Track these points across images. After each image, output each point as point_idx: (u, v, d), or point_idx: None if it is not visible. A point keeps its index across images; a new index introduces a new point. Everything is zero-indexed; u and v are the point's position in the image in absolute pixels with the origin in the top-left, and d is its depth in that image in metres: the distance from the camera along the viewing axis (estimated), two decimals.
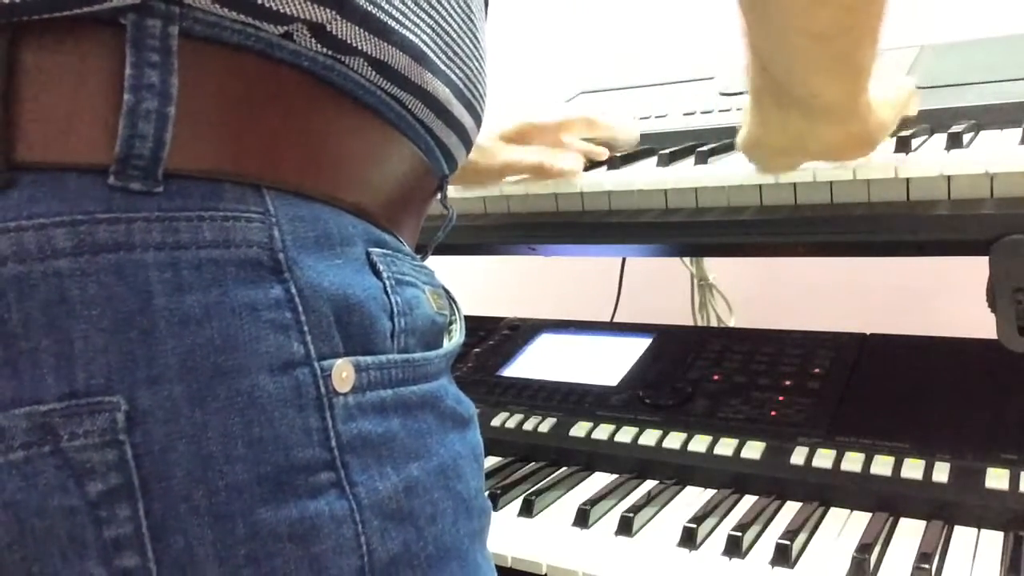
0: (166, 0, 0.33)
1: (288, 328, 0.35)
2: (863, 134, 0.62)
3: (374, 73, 0.39)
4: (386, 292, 0.39)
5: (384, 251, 0.40)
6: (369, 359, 0.37)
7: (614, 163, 0.84)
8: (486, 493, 0.44)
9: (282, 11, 0.35)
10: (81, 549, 0.31)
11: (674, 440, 0.87)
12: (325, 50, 0.37)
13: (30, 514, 0.31)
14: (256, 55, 0.35)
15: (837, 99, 0.57)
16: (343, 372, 0.36)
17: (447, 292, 0.47)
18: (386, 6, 0.38)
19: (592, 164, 0.87)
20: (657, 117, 1.01)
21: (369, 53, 0.38)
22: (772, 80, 0.58)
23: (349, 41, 0.37)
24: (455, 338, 0.46)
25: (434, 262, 0.49)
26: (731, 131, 0.90)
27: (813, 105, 0.58)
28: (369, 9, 0.37)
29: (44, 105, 0.32)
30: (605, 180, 0.81)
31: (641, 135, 0.96)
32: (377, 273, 0.39)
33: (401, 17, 0.39)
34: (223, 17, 0.34)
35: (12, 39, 0.31)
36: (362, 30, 0.37)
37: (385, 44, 0.38)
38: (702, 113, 0.98)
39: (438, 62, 0.42)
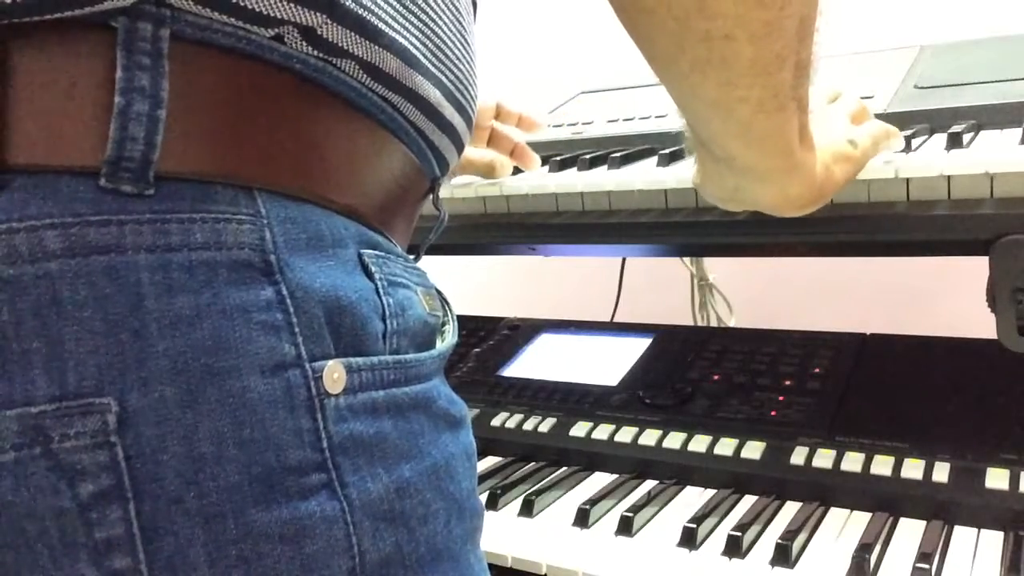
0: (157, 3, 0.33)
1: (279, 329, 0.35)
2: (805, 194, 0.59)
3: (365, 75, 0.39)
4: (378, 293, 0.39)
5: (376, 252, 0.40)
6: (361, 360, 0.37)
7: (614, 163, 0.84)
8: (486, 493, 0.44)
9: (272, 14, 0.35)
10: (72, 550, 0.31)
11: (674, 440, 0.87)
12: (316, 52, 0.37)
13: (21, 516, 0.31)
14: (247, 58, 0.35)
15: (757, 163, 0.55)
16: (334, 373, 0.36)
17: (439, 293, 0.47)
18: (376, 9, 0.38)
19: None
20: (657, 117, 1.01)
21: (359, 56, 0.38)
22: (698, 139, 0.56)
23: (339, 44, 0.37)
24: (448, 339, 0.46)
25: (434, 262, 0.49)
26: None
27: (736, 167, 0.56)
28: (359, 12, 0.37)
29: (35, 107, 0.32)
30: (605, 180, 0.81)
31: (641, 135, 0.96)
32: (369, 274, 0.39)
33: (391, 20, 0.39)
34: (213, 20, 0.34)
35: (3, 42, 0.31)
36: (352, 33, 0.37)
37: (375, 47, 0.38)
38: None
39: (428, 64, 0.42)
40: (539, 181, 0.86)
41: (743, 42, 0.44)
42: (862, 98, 0.86)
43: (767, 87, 0.48)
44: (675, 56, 0.46)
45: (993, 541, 0.70)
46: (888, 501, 0.75)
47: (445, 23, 0.43)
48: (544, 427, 0.95)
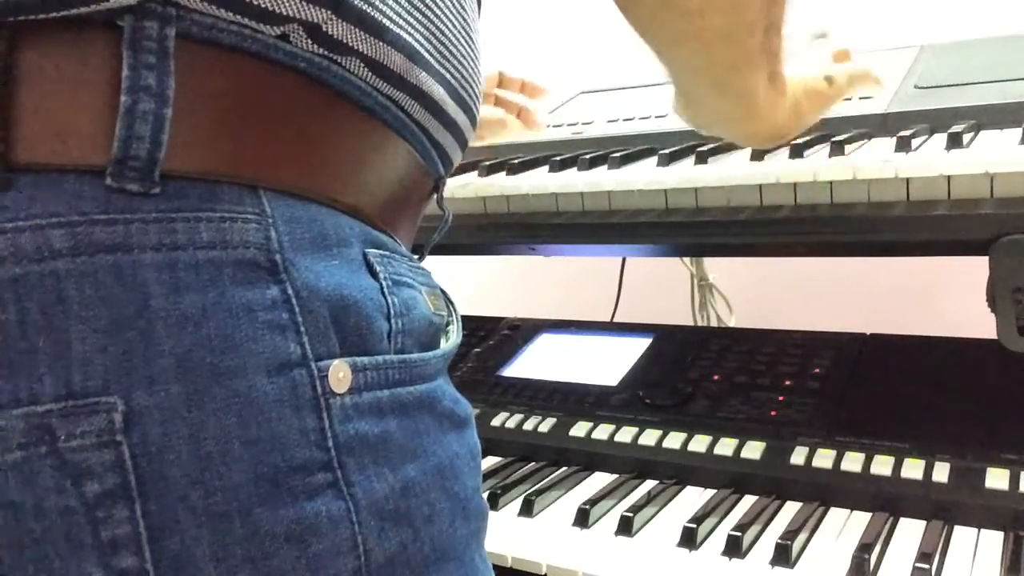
0: (163, 2, 0.33)
1: (285, 329, 0.34)
2: (770, 131, 0.64)
3: (369, 73, 0.39)
4: (383, 293, 0.39)
5: (381, 252, 0.40)
6: (366, 360, 0.37)
7: (614, 163, 0.84)
8: (486, 493, 0.44)
9: (278, 11, 0.35)
10: (78, 550, 0.31)
11: (674, 440, 0.87)
12: (321, 51, 0.37)
13: (27, 515, 0.31)
14: (253, 57, 0.35)
15: (726, 111, 0.60)
16: (340, 373, 0.36)
17: (444, 293, 0.47)
18: (381, 6, 0.38)
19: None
20: (657, 117, 1.01)
21: (365, 53, 0.38)
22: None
23: (345, 41, 0.37)
24: (452, 339, 0.46)
25: (434, 262, 0.49)
26: None
27: (708, 111, 0.62)
28: (364, 9, 0.37)
29: (41, 106, 0.32)
30: (605, 180, 0.81)
31: (641, 135, 0.96)
32: (374, 274, 0.39)
33: (395, 17, 0.39)
34: (219, 19, 0.34)
35: (10, 40, 0.31)
36: (358, 30, 0.37)
37: (380, 43, 0.38)
38: None
39: (432, 62, 0.42)
40: (539, 181, 0.86)
41: (715, 17, 0.49)
42: (861, 98, 0.86)
43: (738, 52, 0.53)
44: (657, 31, 0.52)
45: (993, 541, 0.70)
46: (888, 501, 0.75)
47: (449, 20, 0.43)
48: (544, 427, 0.95)
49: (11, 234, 0.31)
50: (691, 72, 0.56)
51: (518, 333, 1.16)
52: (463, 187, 0.88)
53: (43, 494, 0.31)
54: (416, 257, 0.45)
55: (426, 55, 0.41)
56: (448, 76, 0.43)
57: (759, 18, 0.51)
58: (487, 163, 0.93)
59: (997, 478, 0.73)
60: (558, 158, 0.89)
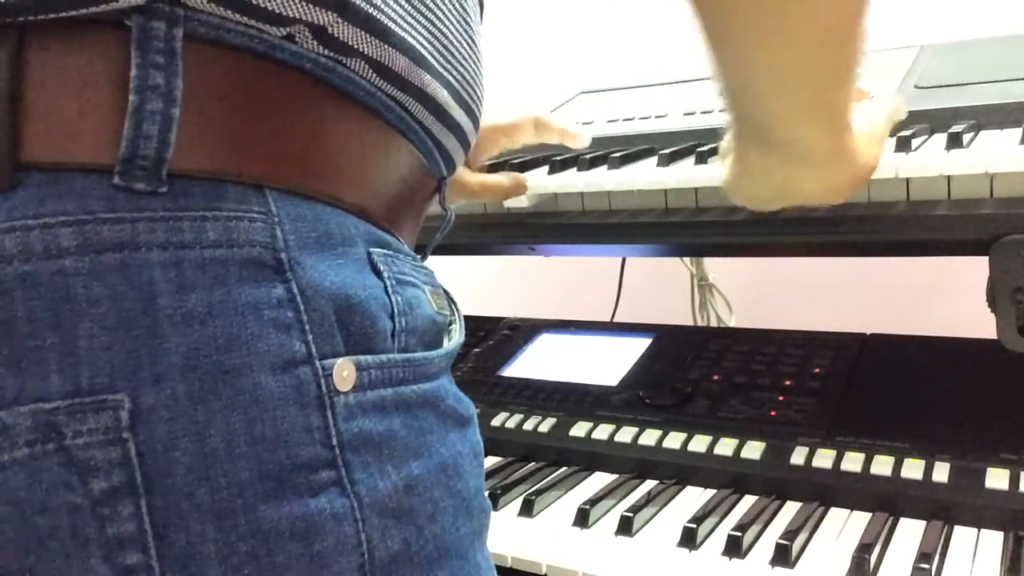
0: (170, 2, 0.33)
1: (290, 327, 0.35)
2: (850, 179, 0.59)
3: (374, 75, 0.39)
4: (387, 292, 0.39)
5: (385, 251, 0.40)
6: (370, 358, 0.37)
7: (614, 163, 0.84)
8: (485, 493, 0.44)
9: (284, 13, 0.35)
10: (84, 546, 0.31)
11: (674, 440, 0.87)
12: (326, 52, 0.37)
13: (34, 511, 0.31)
14: (259, 57, 0.35)
15: (817, 143, 0.55)
16: (344, 371, 0.36)
17: (447, 293, 0.48)
18: (386, 9, 0.38)
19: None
20: (657, 117, 1.01)
21: (369, 55, 0.38)
22: (752, 128, 0.55)
23: (350, 43, 0.37)
24: (455, 338, 0.46)
25: (434, 262, 0.49)
26: None
27: (794, 152, 0.55)
28: (370, 11, 0.37)
29: (50, 106, 0.32)
30: (605, 180, 0.81)
31: (641, 135, 0.96)
32: (378, 273, 0.39)
33: (400, 19, 0.39)
34: (226, 19, 0.34)
35: (18, 40, 0.32)
36: (363, 32, 0.37)
37: (385, 46, 0.39)
38: (702, 113, 0.98)
39: (436, 64, 0.42)
40: (539, 181, 0.86)
41: (826, 13, 0.45)
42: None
43: (840, 57, 0.48)
44: (767, 23, 0.46)
45: (993, 541, 0.70)
46: (888, 501, 0.75)
47: (452, 23, 0.43)
48: (544, 427, 0.95)
49: (20, 232, 0.31)
50: (790, 82, 0.50)
51: (518, 333, 1.16)
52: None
53: (49, 491, 0.31)
54: (419, 257, 0.46)
55: (430, 58, 0.41)
56: (451, 79, 0.44)
57: (859, 22, 0.46)
58: (487, 163, 0.93)
59: (997, 478, 0.73)
60: (558, 158, 0.89)
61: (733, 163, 0.60)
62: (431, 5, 0.41)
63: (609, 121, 1.05)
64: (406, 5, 0.40)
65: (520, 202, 0.86)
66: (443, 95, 0.43)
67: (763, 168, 0.58)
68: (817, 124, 0.53)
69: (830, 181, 0.58)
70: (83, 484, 0.31)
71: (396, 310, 0.40)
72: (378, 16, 0.38)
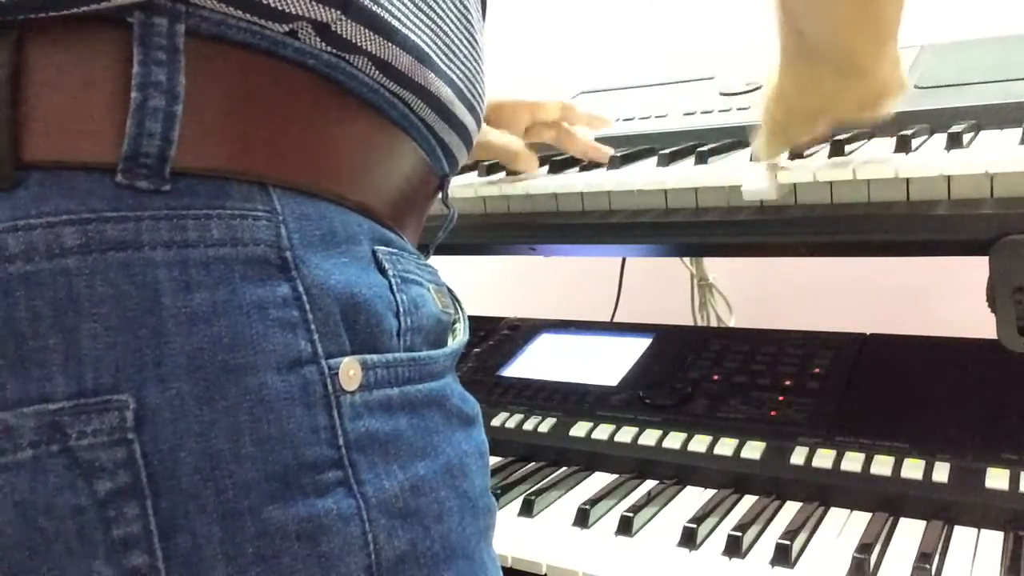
0: None
1: (295, 326, 0.35)
2: (890, 88, 0.63)
3: (378, 72, 0.39)
4: (392, 290, 0.39)
5: (389, 249, 0.40)
6: (376, 357, 0.37)
7: (614, 163, 0.84)
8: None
9: (287, 10, 0.35)
10: (89, 548, 0.31)
11: (674, 440, 0.87)
12: (329, 49, 0.37)
13: (39, 513, 0.31)
14: (261, 53, 0.35)
15: (867, 50, 0.59)
16: (350, 370, 0.36)
17: (451, 291, 0.48)
18: (390, 7, 0.38)
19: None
20: (657, 117, 1.01)
21: (373, 53, 0.38)
22: (805, 43, 0.59)
23: (353, 40, 0.37)
24: (459, 337, 0.46)
25: (434, 262, 0.49)
26: (731, 131, 0.90)
27: (845, 65, 0.59)
28: (374, 9, 0.37)
29: (52, 104, 0.32)
30: (605, 180, 0.81)
31: (641, 135, 0.96)
32: (383, 271, 0.39)
33: (404, 18, 0.39)
34: (228, 16, 0.34)
35: (19, 38, 0.31)
36: (367, 30, 0.37)
37: (389, 44, 0.38)
38: (702, 113, 0.98)
39: (439, 63, 0.42)
40: (539, 181, 0.86)
41: None
42: None
43: None
44: None
45: (993, 541, 0.70)
46: (888, 501, 0.75)
47: (453, 21, 0.43)
48: (544, 427, 0.95)
49: (22, 231, 0.31)
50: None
51: (518, 333, 1.16)
52: (463, 187, 0.88)
53: (54, 492, 0.31)
54: (422, 255, 0.46)
55: (433, 56, 0.41)
56: (454, 77, 0.43)
57: None
58: (487, 163, 0.93)
59: (997, 478, 0.73)
60: (558, 158, 0.89)
61: (784, 78, 0.63)
62: (432, 3, 0.41)
63: None
64: (409, 3, 0.39)
65: (520, 202, 0.86)
66: (447, 93, 0.43)
67: (812, 79, 0.61)
68: (867, 34, 0.57)
69: (873, 90, 0.62)
70: (88, 485, 0.31)
71: (401, 309, 0.39)
72: (382, 14, 0.38)
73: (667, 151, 0.82)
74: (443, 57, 0.42)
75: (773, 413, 0.88)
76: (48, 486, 0.31)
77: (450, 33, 0.43)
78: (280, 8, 0.35)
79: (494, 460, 0.94)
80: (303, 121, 0.37)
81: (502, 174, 0.91)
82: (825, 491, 0.78)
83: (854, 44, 0.58)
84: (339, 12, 0.36)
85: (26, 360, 0.31)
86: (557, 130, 0.88)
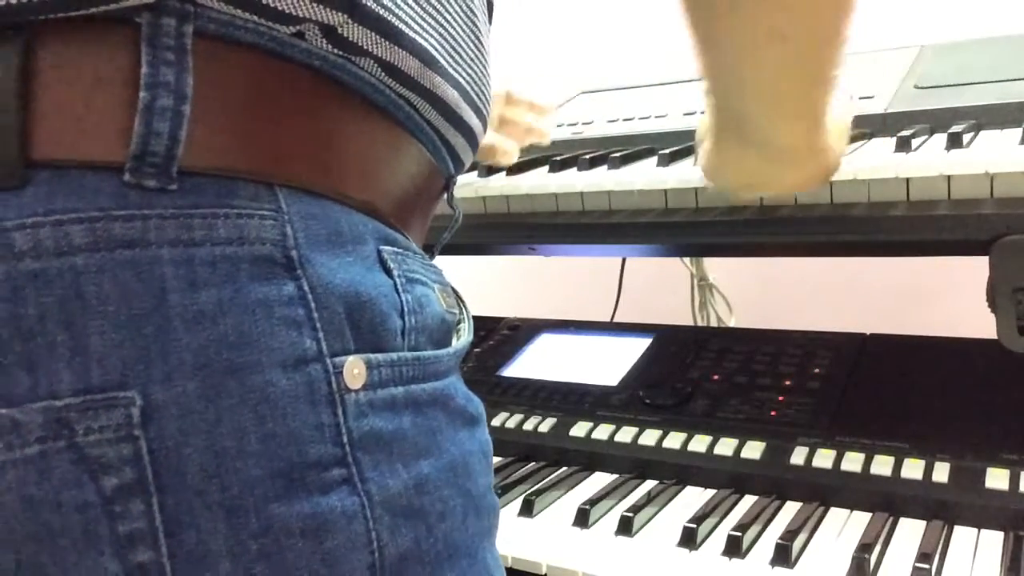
0: None
1: (301, 325, 0.35)
2: (821, 172, 0.62)
3: (384, 75, 0.39)
4: (397, 290, 0.39)
5: (395, 249, 0.40)
6: (380, 356, 0.37)
7: (614, 163, 0.84)
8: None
9: (294, 13, 0.35)
10: (95, 543, 0.32)
11: (674, 440, 0.87)
12: (336, 51, 0.37)
13: (46, 508, 0.31)
14: (268, 54, 0.35)
15: (796, 140, 0.57)
16: (355, 369, 0.36)
17: (455, 291, 0.48)
18: (397, 10, 0.38)
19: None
20: (657, 117, 1.01)
21: (379, 55, 0.38)
22: (733, 121, 0.57)
23: (360, 43, 0.37)
24: (464, 337, 0.46)
25: (434, 262, 0.49)
26: None
27: (772, 149, 0.57)
28: (380, 13, 0.37)
29: (60, 103, 0.32)
30: (605, 180, 0.81)
31: (641, 135, 0.96)
32: (388, 271, 0.39)
33: (411, 21, 0.39)
34: (236, 17, 0.34)
35: (28, 38, 0.32)
36: (373, 33, 0.37)
37: (395, 47, 0.39)
38: (702, 113, 0.97)
39: (446, 65, 0.42)
40: (539, 181, 0.86)
41: (811, 15, 0.46)
42: (862, 98, 0.86)
43: (823, 61, 0.50)
44: (752, 23, 0.47)
45: (993, 541, 0.70)
46: (888, 501, 0.75)
47: (459, 24, 0.43)
48: (544, 427, 0.95)
49: (31, 229, 0.31)
50: (769, 82, 0.52)
51: (518, 333, 1.16)
52: (463, 187, 0.88)
53: (60, 488, 0.31)
54: (428, 255, 0.46)
55: (440, 59, 0.41)
56: (461, 80, 0.44)
57: (844, 27, 0.48)
58: (486, 163, 0.93)
59: (997, 478, 0.73)
60: (558, 158, 0.89)
61: (709, 150, 0.62)
62: (439, 7, 0.41)
63: (609, 121, 1.05)
64: (415, 6, 0.40)
65: (520, 202, 0.86)
66: (452, 95, 0.43)
67: (738, 159, 0.60)
68: (797, 123, 0.55)
69: (802, 176, 0.62)
70: (94, 481, 0.31)
71: (406, 308, 0.40)
72: (389, 17, 0.38)
73: (667, 151, 0.82)
74: (449, 60, 0.42)
75: (773, 413, 0.88)
76: (55, 482, 0.31)
77: (456, 36, 0.43)
78: (287, 10, 0.35)
79: (494, 460, 0.94)
80: (309, 121, 0.37)
81: (502, 174, 0.91)
82: (825, 491, 0.78)
83: (783, 132, 0.56)
84: (346, 15, 0.36)
85: (34, 356, 0.31)
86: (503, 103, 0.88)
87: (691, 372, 0.98)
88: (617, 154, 0.86)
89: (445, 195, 0.49)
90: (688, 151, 0.85)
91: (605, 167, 0.85)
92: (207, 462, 0.33)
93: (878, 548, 0.69)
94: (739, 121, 0.57)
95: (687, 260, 1.30)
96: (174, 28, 0.33)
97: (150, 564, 0.32)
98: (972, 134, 0.74)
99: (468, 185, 0.88)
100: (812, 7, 0.46)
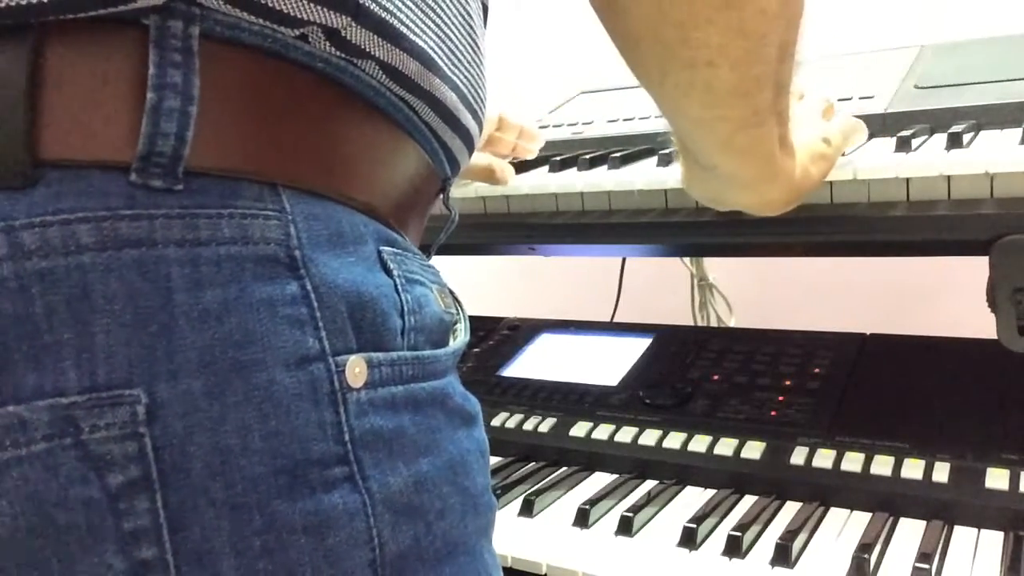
0: (187, 2, 0.33)
1: (304, 324, 0.35)
2: (784, 196, 0.63)
3: (385, 77, 0.39)
4: (397, 290, 0.40)
5: (394, 250, 0.41)
6: (381, 355, 0.38)
7: (614, 163, 0.84)
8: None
9: (299, 16, 0.35)
10: (100, 540, 0.32)
11: (674, 440, 0.87)
12: (338, 53, 0.37)
13: (51, 505, 0.31)
14: (273, 56, 0.36)
15: (738, 172, 0.58)
16: (356, 368, 0.36)
17: (452, 292, 0.48)
18: (398, 13, 0.39)
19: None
20: (657, 117, 1.01)
21: (381, 58, 0.39)
22: (684, 146, 0.60)
23: (362, 46, 0.38)
24: (460, 337, 0.47)
25: (434, 262, 0.49)
26: None
27: (718, 175, 0.59)
28: (383, 16, 0.38)
29: (68, 104, 0.32)
30: (605, 180, 0.81)
31: (641, 135, 0.96)
32: (388, 271, 0.40)
33: (411, 23, 0.40)
34: (241, 19, 0.34)
35: (37, 39, 0.32)
36: (376, 36, 0.38)
37: (397, 50, 0.39)
38: None
39: (444, 68, 0.42)
40: (539, 181, 0.86)
41: (725, 68, 0.47)
42: (862, 98, 0.86)
43: (747, 107, 0.51)
44: (661, 79, 0.50)
45: (993, 541, 0.70)
46: (888, 501, 0.75)
47: (456, 26, 0.44)
48: (544, 427, 0.95)
49: (38, 228, 0.31)
50: (697, 128, 0.55)
51: (518, 333, 1.16)
52: (463, 187, 0.88)
53: (66, 485, 0.31)
54: (425, 256, 0.46)
55: (439, 61, 0.42)
56: (459, 82, 0.44)
57: (769, 75, 0.50)
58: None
59: (997, 478, 0.73)
60: (558, 158, 0.89)
61: (679, 164, 0.65)
62: (437, 9, 0.42)
63: (609, 121, 1.05)
64: (416, 9, 0.40)
65: (520, 202, 0.86)
66: (451, 98, 0.44)
67: (700, 178, 0.63)
68: (733, 159, 0.57)
69: (761, 199, 0.63)
70: (100, 478, 0.31)
71: (406, 308, 0.40)
72: (391, 20, 0.38)
73: (667, 151, 0.82)
74: (448, 63, 0.43)
75: (773, 413, 0.88)
76: (61, 479, 0.31)
77: (455, 39, 0.43)
78: (292, 13, 0.35)
79: (494, 460, 0.94)
80: (312, 123, 0.37)
81: None
82: (825, 491, 0.78)
83: (722, 163, 0.57)
84: (349, 19, 0.37)
85: (41, 354, 0.31)
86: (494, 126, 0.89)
87: (691, 372, 0.98)
88: (617, 154, 0.86)
89: (441, 196, 0.50)
90: None
91: (605, 167, 0.85)
92: (211, 459, 0.33)
93: (878, 548, 0.69)
94: (684, 145, 0.60)
95: (687, 260, 1.30)
96: (181, 30, 0.33)
97: (154, 560, 0.32)
98: (972, 134, 0.74)
99: (468, 185, 0.88)
100: (729, 51, 0.47)
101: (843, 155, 0.71)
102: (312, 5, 0.35)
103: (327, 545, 0.35)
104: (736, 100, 0.50)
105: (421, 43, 0.40)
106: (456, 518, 0.40)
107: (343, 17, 0.36)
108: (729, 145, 0.54)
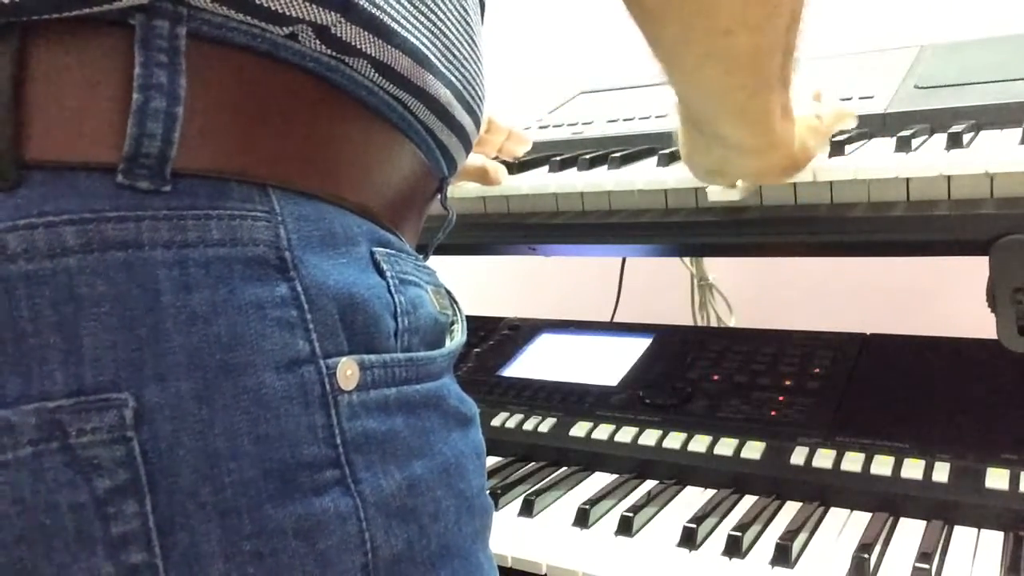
0: (174, 1, 0.33)
1: (294, 326, 0.35)
2: (784, 163, 0.65)
3: (376, 75, 0.39)
4: (390, 291, 0.39)
5: (388, 251, 0.40)
6: (373, 357, 0.37)
7: (614, 163, 0.84)
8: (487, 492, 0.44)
9: (288, 13, 0.35)
10: (89, 545, 0.31)
11: (674, 440, 0.87)
12: (329, 51, 0.37)
13: (38, 510, 0.31)
14: (262, 56, 0.35)
15: (745, 140, 0.60)
16: (348, 370, 0.36)
17: (449, 292, 0.48)
18: (389, 9, 0.38)
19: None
20: (657, 117, 1.01)
21: (372, 55, 0.38)
22: (690, 116, 0.62)
23: (353, 43, 0.37)
24: (457, 338, 0.46)
25: (433, 262, 0.49)
26: None
27: (723, 143, 0.61)
28: (373, 12, 0.37)
29: (53, 105, 0.32)
30: (605, 180, 0.81)
31: (641, 135, 0.96)
32: (381, 272, 0.39)
33: (403, 20, 0.39)
34: (229, 18, 0.34)
35: (22, 39, 0.32)
36: (366, 32, 0.37)
37: (388, 46, 0.39)
38: None
39: (439, 65, 0.42)
40: (539, 181, 0.86)
41: (743, 36, 0.49)
42: (862, 98, 0.86)
43: (761, 74, 0.53)
44: (683, 51, 0.51)
45: (993, 541, 0.70)
46: (888, 501, 0.75)
47: (453, 23, 0.43)
48: (544, 427, 0.95)
49: (24, 231, 0.31)
50: (712, 97, 0.56)
51: (518, 333, 1.16)
52: (463, 187, 0.88)
53: (53, 489, 0.31)
54: (421, 256, 0.46)
55: (432, 58, 0.41)
56: (453, 79, 0.44)
57: (780, 40, 0.51)
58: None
59: (997, 478, 0.73)
60: (558, 158, 0.89)
61: (681, 137, 0.66)
62: (432, 6, 0.41)
63: (609, 121, 1.05)
64: (408, 6, 0.40)
65: (520, 202, 0.86)
66: (445, 95, 0.43)
67: (703, 146, 0.64)
68: (743, 126, 0.59)
69: (762, 165, 0.65)
70: (87, 483, 0.31)
71: (399, 309, 0.40)
72: (381, 16, 0.38)
73: (667, 151, 0.82)
74: (442, 59, 0.42)
75: (773, 413, 0.88)
76: (48, 483, 0.31)
77: (449, 35, 0.43)
78: (280, 11, 0.35)
79: (494, 460, 0.94)
80: (302, 123, 0.37)
81: None
82: (825, 491, 0.78)
83: (730, 132, 0.60)
84: (339, 15, 0.36)
85: (27, 358, 0.31)
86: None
87: (691, 372, 0.98)
88: (617, 154, 0.86)
89: (439, 196, 0.49)
90: None
91: (605, 167, 0.85)
92: (200, 463, 0.32)
93: (878, 548, 0.69)
94: (693, 116, 0.61)
95: (687, 260, 1.30)
96: (167, 30, 0.33)
97: (143, 565, 0.32)
98: (972, 134, 0.74)
99: (468, 185, 0.88)
100: (744, 31, 0.49)
101: (837, 141, 0.73)
102: (301, 1, 0.35)
103: (318, 549, 0.35)
104: (753, 66, 0.52)
105: (414, 39, 0.40)
106: (450, 521, 0.40)
107: (332, 13, 0.36)
108: (743, 112, 0.56)
